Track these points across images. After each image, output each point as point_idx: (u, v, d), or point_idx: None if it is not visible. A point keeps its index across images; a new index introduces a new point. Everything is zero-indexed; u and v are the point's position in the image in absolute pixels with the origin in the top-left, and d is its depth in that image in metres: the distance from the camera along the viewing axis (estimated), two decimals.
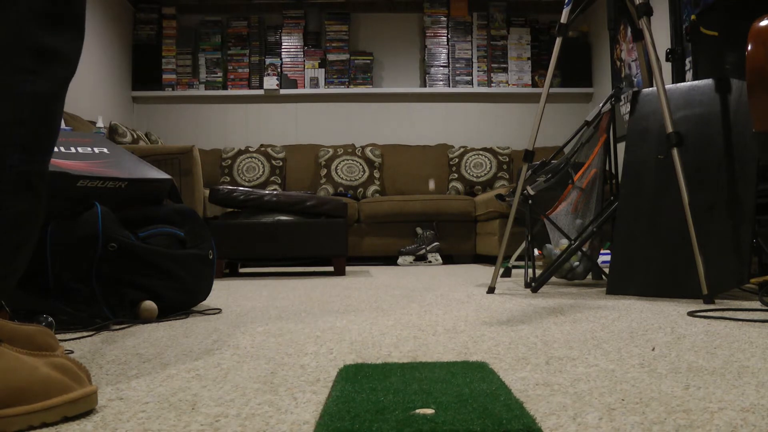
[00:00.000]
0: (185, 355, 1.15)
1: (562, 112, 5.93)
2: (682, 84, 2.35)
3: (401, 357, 1.11)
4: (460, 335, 1.35)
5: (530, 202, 2.51)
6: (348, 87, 5.85)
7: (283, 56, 5.87)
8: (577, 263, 2.57)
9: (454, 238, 4.91)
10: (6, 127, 0.74)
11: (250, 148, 5.43)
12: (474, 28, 5.92)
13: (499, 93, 5.92)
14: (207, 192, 3.86)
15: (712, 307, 1.79)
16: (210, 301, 2.16)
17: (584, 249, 2.51)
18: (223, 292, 2.55)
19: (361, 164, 5.41)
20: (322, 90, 5.84)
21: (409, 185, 5.52)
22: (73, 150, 1.73)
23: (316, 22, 5.96)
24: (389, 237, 4.89)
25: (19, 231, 0.77)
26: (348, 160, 5.41)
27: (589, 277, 2.85)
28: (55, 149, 1.68)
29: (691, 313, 1.65)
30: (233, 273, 3.92)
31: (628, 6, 2.40)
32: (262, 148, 5.45)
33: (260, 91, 5.81)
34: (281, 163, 5.43)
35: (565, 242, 2.56)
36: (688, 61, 3.71)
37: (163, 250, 1.69)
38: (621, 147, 4.25)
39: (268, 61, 5.84)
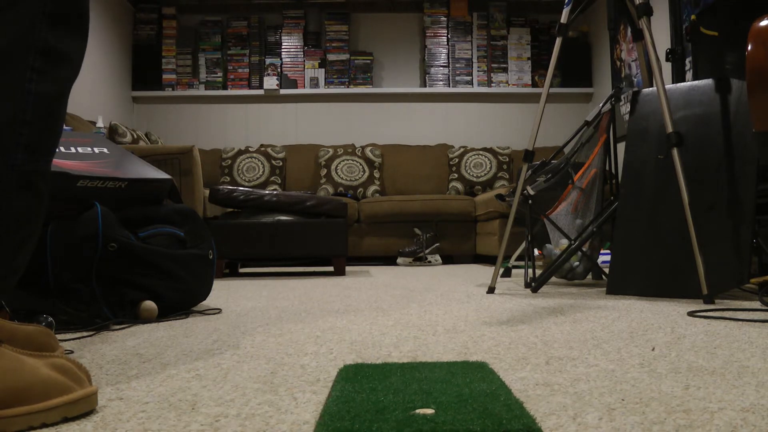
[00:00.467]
0: (185, 355, 1.15)
1: (562, 112, 5.93)
2: (682, 84, 2.35)
3: (401, 357, 1.11)
4: (460, 335, 1.35)
5: (530, 202, 2.51)
6: (348, 87, 5.85)
7: (283, 56, 5.87)
8: (577, 263, 2.57)
9: (454, 238, 4.91)
10: (9, 127, 0.74)
11: (250, 148, 5.43)
12: (474, 28, 5.92)
13: (499, 93, 5.92)
14: (207, 192, 3.86)
15: (712, 307, 1.79)
16: (210, 301, 2.16)
17: (584, 249, 2.51)
18: (223, 292, 2.55)
19: (361, 164, 5.41)
20: (322, 90, 5.84)
21: (409, 185, 5.52)
22: (73, 150, 1.73)
23: (316, 22, 5.96)
24: (389, 237, 4.89)
25: (19, 231, 0.76)
26: (348, 160, 5.41)
27: (589, 277, 2.85)
28: None
29: (691, 313, 1.65)
30: (233, 273, 3.92)
31: (628, 6, 2.40)
32: (262, 148, 5.45)
33: (260, 91, 5.81)
34: (281, 163, 5.43)
35: (565, 242, 2.56)
36: (688, 61, 3.71)
37: (163, 250, 1.69)
38: (621, 147, 4.25)
39: (268, 61, 5.84)
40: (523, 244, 3.03)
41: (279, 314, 1.77)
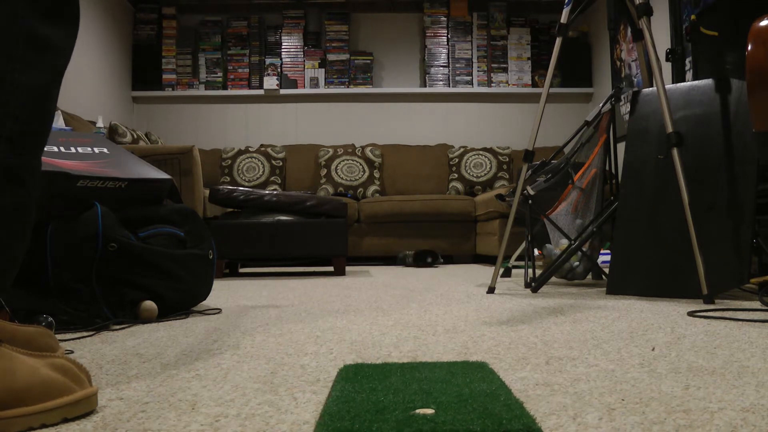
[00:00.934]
0: (185, 355, 1.15)
1: (562, 112, 5.93)
2: (682, 84, 2.35)
3: (401, 357, 1.11)
4: (460, 335, 1.35)
5: (530, 202, 2.51)
6: (348, 87, 5.85)
7: (283, 56, 5.87)
8: (577, 263, 2.57)
9: (454, 238, 4.91)
10: None
11: (250, 148, 5.43)
12: (474, 28, 5.92)
13: (499, 93, 5.92)
14: (207, 192, 3.86)
15: (712, 307, 1.79)
16: (210, 301, 2.16)
17: (584, 249, 2.51)
18: (223, 292, 2.55)
19: (361, 164, 5.41)
20: (322, 90, 5.84)
21: (409, 185, 5.52)
22: (73, 150, 1.73)
23: (316, 22, 5.96)
24: (389, 237, 4.89)
25: (8, 227, 0.74)
26: (348, 160, 5.41)
27: (589, 277, 2.85)
28: (55, 149, 1.68)
29: (691, 313, 1.65)
30: (233, 273, 3.92)
31: (628, 6, 2.40)
32: (262, 148, 5.45)
33: (260, 91, 5.81)
34: (281, 163, 5.43)
35: (565, 242, 2.56)
36: (688, 61, 3.71)
37: (163, 250, 1.69)
38: (621, 147, 4.25)
39: (268, 61, 5.84)
40: (523, 244, 3.03)
41: (279, 314, 1.77)
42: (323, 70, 5.86)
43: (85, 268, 1.53)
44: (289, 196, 3.59)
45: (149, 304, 1.64)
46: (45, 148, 1.64)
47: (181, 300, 1.76)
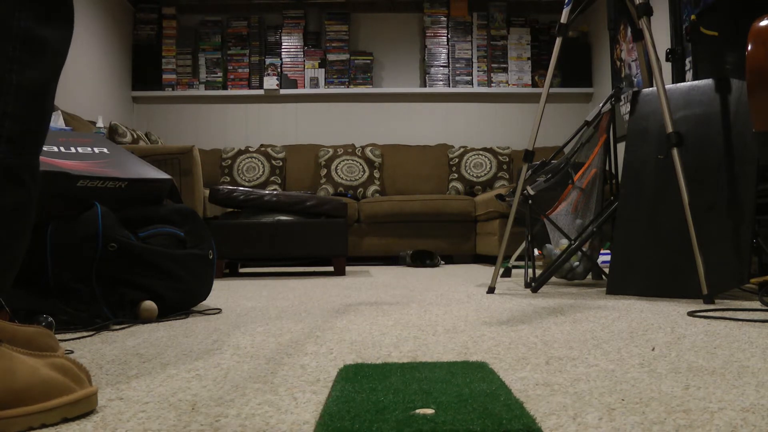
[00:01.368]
0: (185, 355, 1.15)
1: (562, 112, 5.93)
2: (682, 84, 2.35)
3: (401, 357, 1.11)
4: (460, 335, 1.35)
5: (530, 202, 2.51)
6: (348, 87, 5.85)
7: (283, 56, 5.86)
8: (577, 263, 2.57)
9: (454, 238, 4.91)
10: None
11: (250, 148, 5.43)
12: (474, 28, 5.92)
13: (499, 93, 5.92)
14: (207, 192, 3.86)
15: (712, 307, 1.79)
16: (210, 301, 2.16)
17: (584, 249, 2.51)
18: (223, 292, 2.55)
19: (361, 164, 5.41)
20: (322, 90, 5.84)
21: (409, 185, 5.52)
22: (73, 150, 1.73)
23: (316, 22, 5.96)
24: (389, 237, 4.89)
25: (8, 227, 0.74)
26: (348, 160, 5.41)
27: (589, 277, 2.85)
28: (55, 149, 1.68)
29: (691, 313, 1.65)
30: (233, 273, 3.92)
31: (628, 6, 2.40)
32: (262, 148, 5.45)
33: (260, 91, 5.81)
34: (281, 163, 5.43)
35: (565, 242, 2.56)
36: (688, 61, 3.71)
37: (163, 250, 1.69)
38: (621, 147, 4.25)
39: (268, 61, 5.84)
40: (523, 244, 3.03)
41: (279, 314, 1.77)
42: (323, 70, 5.86)
43: (85, 268, 1.53)
44: (289, 196, 3.59)
45: (149, 304, 1.64)
46: (45, 148, 1.65)
47: (181, 300, 1.76)
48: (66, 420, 0.73)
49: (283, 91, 5.82)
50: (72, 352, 1.21)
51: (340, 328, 1.49)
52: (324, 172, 5.38)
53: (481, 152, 5.49)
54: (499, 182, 5.40)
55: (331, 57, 5.86)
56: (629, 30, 4.67)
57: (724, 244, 2.05)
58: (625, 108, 4.74)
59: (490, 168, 5.42)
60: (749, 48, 1.73)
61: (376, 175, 5.41)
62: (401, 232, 4.89)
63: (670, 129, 2.07)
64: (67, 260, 1.52)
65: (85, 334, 1.42)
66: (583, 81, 5.90)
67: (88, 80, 4.87)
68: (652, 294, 2.12)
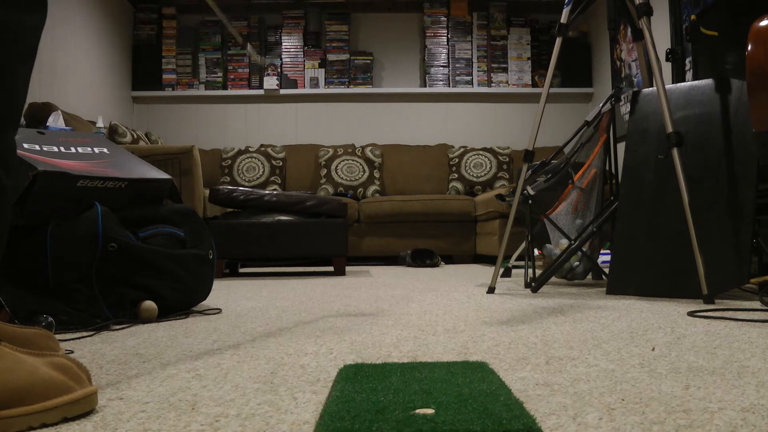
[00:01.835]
0: (185, 355, 1.15)
1: (562, 112, 5.93)
2: (682, 84, 2.35)
3: (401, 357, 1.11)
4: (460, 335, 1.35)
5: (530, 202, 2.51)
6: (348, 87, 5.85)
7: (283, 56, 5.87)
8: (577, 263, 2.57)
9: (454, 238, 4.91)
10: None
11: (250, 148, 5.43)
12: (474, 28, 5.92)
13: (499, 93, 5.92)
14: (207, 192, 3.86)
15: (712, 307, 1.79)
16: (210, 301, 2.16)
17: (584, 249, 2.51)
18: (223, 292, 2.55)
19: (361, 164, 5.41)
20: (322, 90, 5.84)
21: (409, 185, 5.52)
22: (73, 150, 1.73)
23: (316, 22, 5.96)
24: (389, 237, 4.89)
25: None
26: (348, 160, 5.41)
27: (589, 277, 2.85)
28: (55, 149, 1.68)
29: (691, 313, 1.65)
30: (233, 273, 3.92)
31: (628, 6, 2.40)
32: (262, 148, 5.45)
33: (260, 91, 5.81)
34: (281, 163, 5.43)
35: (565, 242, 2.56)
36: (688, 61, 3.71)
37: (163, 250, 1.69)
38: (621, 147, 4.25)
39: (268, 61, 5.84)
40: (523, 244, 3.03)
41: (279, 314, 1.77)
42: (323, 70, 5.86)
43: (85, 268, 1.53)
44: (289, 196, 3.59)
45: (149, 304, 1.64)
46: (45, 148, 1.65)
47: (181, 300, 1.76)
48: (66, 420, 0.73)
49: (283, 91, 5.82)
50: (72, 351, 1.21)
51: (340, 328, 1.49)
52: (324, 172, 5.38)
53: (481, 152, 5.49)
54: (499, 182, 5.40)
55: (331, 57, 5.86)
56: (629, 30, 4.67)
57: (724, 244, 2.05)
58: (625, 108, 4.74)
59: (490, 168, 5.42)
60: (749, 48, 1.73)
61: (376, 175, 5.41)
62: (401, 232, 4.88)
63: (670, 129, 2.07)
64: (67, 260, 1.52)
65: (85, 334, 1.42)
66: (583, 81, 5.90)
67: (88, 80, 4.87)
68: (652, 294, 2.12)
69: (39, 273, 1.51)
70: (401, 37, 6.01)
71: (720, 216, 2.09)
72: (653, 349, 1.14)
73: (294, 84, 5.84)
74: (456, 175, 5.45)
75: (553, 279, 2.93)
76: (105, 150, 1.83)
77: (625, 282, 2.18)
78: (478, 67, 5.90)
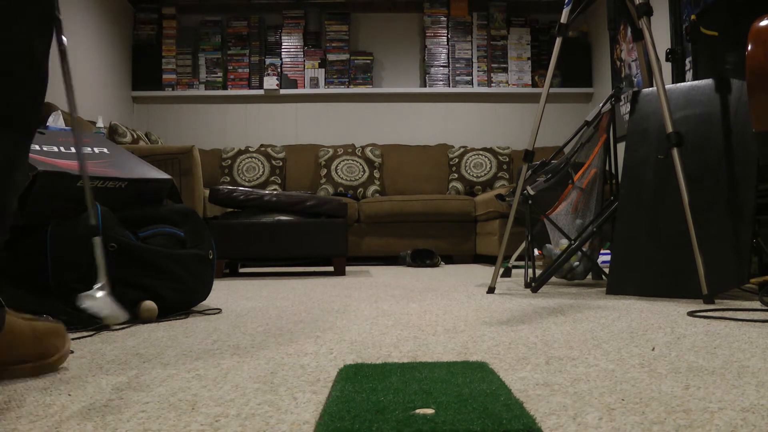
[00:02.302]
0: (185, 355, 1.15)
1: (562, 112, 5.93)
2: (682, 84, 2.35)
3: (401, 357, 1.11)
4: (460, 335, 1.35)
5: (530, 202, 2.51)
6: (348, 87, 5.85)
7: (283, 56, 5.87)
8: (577, 263, 2.57)
9: (454, 238, 4.91)
10: None
11: (250, 148, 5.43)
12: (474, 28, 5.92)
13: (499, 93, 5.92)
14: (207, 192, 3.86)
15: (712, 307, 1.79)
16: (210, 301, 2.16)
17: (584, 249, 2.51)
18: (223, 292, 2.55)
19: (361, 164, 5.41)
20: (322, 90, 5.84)
21: (409, 185, 5.52)
22: (73, 150, 1.73)
23: (316, 22, 5.96)
24: (389, 237, 4.89)
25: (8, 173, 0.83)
26: (348, 160, 5.41)
27: (589, 277, 2.85)
28: (55, 149, 1.68)
29: (691, 313, 1.65)
30: (233, 273, 3.92)
31: (628, 6, 2.40)
32: (262, 148, 5.45)
33: (260, 91, 5.82)
34: (281, 163, 5.43)
35: (565, 242, 2.56)
36: (688, 61, 3.71)
37: (163, 250, 1.69)
38: (621, 147, 4.25)
39: (268, 61, 5.84)
40: (523, 244, 3.03)
41: (279, 314, 1.77)
42: (323, 70, 5.86)
43: (85, 268, 1.53)
44: (289, 196, 3.59)
45: (149, 304, 1.64)
46: (45, 148, 1.65)
47: (181, 300, 1.76)
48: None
49: (283, 91, 5.82)
50: (72, 352, 1.21)
51: (340, 328, 1.49)
52: (324, 172, 5.38)
53: (481, 152, 5.49)
54: (499, 182, 5.40)
55: (331, 57, 5.86)
56: (629, 30, 4.67)
57: (724, 244, 2.05)
58: (625, 108, 4.74)
59: (490, 168, 5.42)
60: (749, 48, 1.73)
61: (376, 175, 5.41)
62: (401, 232, 4.89)
63: (670, 129, 2.07)
64: (67, 260, 1.52)
65: (85, 334, 1.42)
66: (583, 81, 5.90)
67: (88, 80, 4.87)
68: (652, 294, 2.12)
69: (39, 273, 1.51)
70: (401, 37, 6.01)
71: (720, 216, 2.09)
72: (653, 349, 1.14)
73: (294, 84, 5.84)
74: (456, 175, 5.45)
75: (553, 279, 2.93)
76: (105, 150, 1.83)
77: (625, 282, 2.18)
78: (478, 67, 5.90)
